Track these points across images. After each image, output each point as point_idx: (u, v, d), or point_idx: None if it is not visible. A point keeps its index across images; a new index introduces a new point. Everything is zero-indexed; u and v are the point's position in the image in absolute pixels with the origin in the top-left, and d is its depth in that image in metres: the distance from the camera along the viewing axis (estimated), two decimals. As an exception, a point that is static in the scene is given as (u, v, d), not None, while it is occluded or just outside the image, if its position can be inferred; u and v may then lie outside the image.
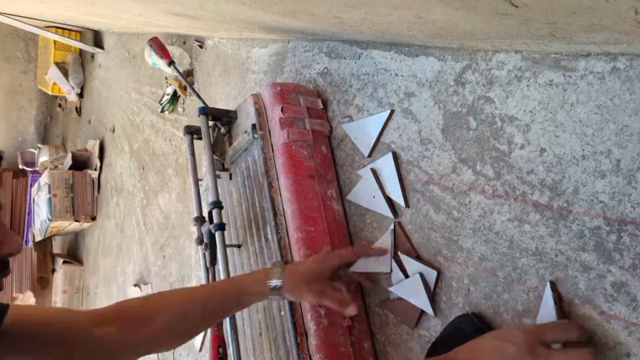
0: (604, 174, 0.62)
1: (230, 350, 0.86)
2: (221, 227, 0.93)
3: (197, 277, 1.61)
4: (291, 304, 0.88)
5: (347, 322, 0.87)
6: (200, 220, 0.99)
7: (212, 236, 0.94)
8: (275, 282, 0.77)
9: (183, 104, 1.83)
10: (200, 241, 0.97)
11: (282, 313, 0.91)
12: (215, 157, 1.06)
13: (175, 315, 0.71)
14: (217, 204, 0.95)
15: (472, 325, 0.72)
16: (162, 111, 1.92)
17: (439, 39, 0.78)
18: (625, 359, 0.58)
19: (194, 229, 1.13)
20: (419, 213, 0.85)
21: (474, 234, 0.76)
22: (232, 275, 0.97)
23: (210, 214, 0.96)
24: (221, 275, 0.91)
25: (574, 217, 0.64)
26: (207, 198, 1.14)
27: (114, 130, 2.63)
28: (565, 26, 0.53)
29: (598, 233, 0.62)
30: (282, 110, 0.97)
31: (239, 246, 1.06)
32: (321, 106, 1.05)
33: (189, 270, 1.66)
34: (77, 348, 0.65)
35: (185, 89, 1.80)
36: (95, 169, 2.76)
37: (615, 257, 0.60)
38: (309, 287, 0.76)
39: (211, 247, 0.95)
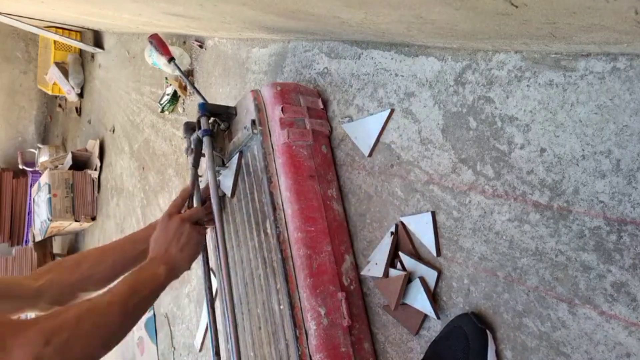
0: (604, 174, 0.62)
1: (230, 345, 0.86)
2: (209, 132, 0.96)
3: (197, 277, 1.61)
4: (290, 298, 0.88)
5: (347, 322, 0.87)
6: (189, 131, 1.01)
7: (199, 142, 0.97)
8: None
9: (183, 104, 1.83)
10: (190, 151, 1.00)
11: (281, 307, 0.91)
12: (215, 152, 1.06)
13: (94, 262, 0.93)
14: (205, 112, 0.99)
15: (472, 325, 0.72)
16: (162, 111, 1.92)
17: (439, 39, 0.78)
18: (625, 359, 0.59)
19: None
20: (418, 213, 0.85)
21: (474, 234, 0.76)
22: (230, 257, 1.07)
23: (198, 121, 0.99)
24: (222, 258, 0.91)
25: (574, 217, 0.64)
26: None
27: (114, 130, 2.63)
28: (565, 26, 0.53)
29: (598, 233, 0.62)
30: (282, 110, 0.97)
31: (223, 163, 1.08)
32: (321, 106, 1.05)
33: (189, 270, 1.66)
34: (24, 298, 0.83)
35: (185, 89, 1.80)
36: (95, 169, 2.76)
37: (615, 257, 0.60)
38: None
39: (196, 151, 0.98)
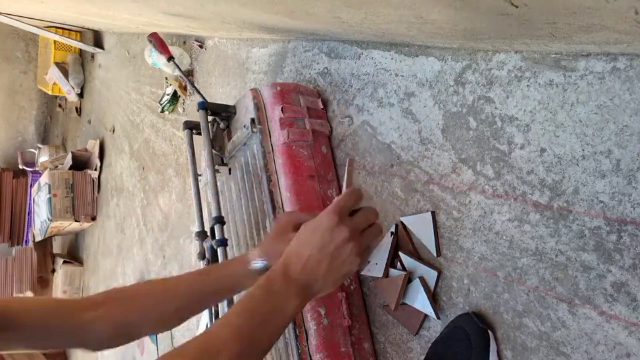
0: (604, 174, 0.62)
1: None
2: (223, 242, 0.91)
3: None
4: None
5: (347, 322, 0.87)
6: (202, 235, 0.97)
7: (214, 252, 0.93)
8: (257, 263, 0.75)
9: (183, 104, 1.83)
10: (202, 256, 0.95)
11: None
12: (214, 151, 1.06)
13: (159, 297, 0.72)
14: (220, 220, 0.93)
15: (473, 325, 0.72)
16: (162, 111, 1.92)
17: (439, 39, 0.78)
18: (625, 359, 0.59)
19: (194, 229, 1.13)
20: (418, 213, 0.85)
21: (474, 234, 0.76)
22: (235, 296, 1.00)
23: (212, 229, 0.95)
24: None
25: (574, 217, 0.64)
26: (207, 195, 1.14)
27: (114, 130, 2.63)
28: (566, 26, 0.53)
29: (598, 233, 0.62)
30: (282, 110, 0.97)
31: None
32: (321, 106, 1.05)
33: (189, 270, 1.66)
34: (69, 333, 0.67)
35: (185, 89, 1.80)
36: (95, 169, 2.76)
37: (615, 257, 0.60)
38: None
39: (213, 263, 0.93)
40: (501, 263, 0.72)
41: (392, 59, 0.93)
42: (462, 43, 0.77)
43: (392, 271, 0.87)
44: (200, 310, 0.78)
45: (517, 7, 0.49)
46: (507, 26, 0.58)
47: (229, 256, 0.97)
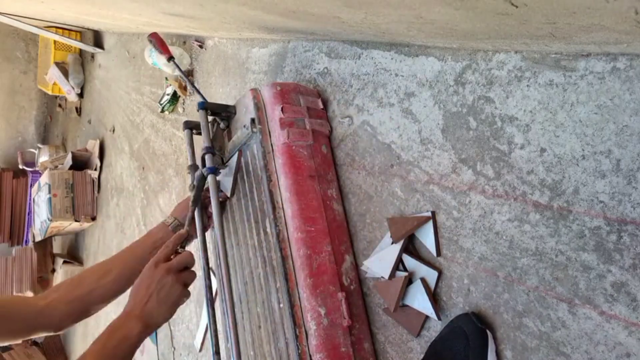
0: (604, 174, 0.62)
1: (229, 344, 0.86)
2: (214, 170, 0.92)
3: (197, 277, 1.60)
4: (290, 296, 0.88)
5: (347, 322, 0.88)
6: (193, 168, 0.99)
7: (202, 178, 0.93)
8: (170, 220, 1.02)
9: (183, 104, 1.83)
10: (192, 188, 0.97)
11: (281, 305, 0.91)
12: (214, 151, 1.06)
13: (101, 271, 0.93)
14: (210, 149, 0.95)
15: (472, 325, 0.72)
16: (162, 111, 1.92)
17: (439, 39, 0.78)
18: (625, 359, 0.59)
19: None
20: (419, 214, 0.85)
21: (474, 234, 0.76)
22: (229, 259, 1.06)
23: (202, 158, 0.96)
24: (217, 234, 0.91)
25: (574, 217, 0.64)
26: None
27: (114, 130, 2.63)
28: (565, 26, 0.53)
29: (598, 233, 0.62)
30: (282, 110, 0.97)
31: (228, 198, 1.07)
32: (321, 106, 1.05)
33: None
34: (34, 318, 0.82)
35: (185, 89, 1.80)
36: (95, 169, 2.76)
37: (615, 257, 0.60)
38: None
39: (197, 188, 0.94)
40: (501, 263, 0.72)
41: (392, 59, 0.93)
42: (462, 43, 0.77)
43: (396, 273, 0.87)
44: (130, 282, 0.93)
45: (517, 7, 0.49)
46: (507, 26, 0.58)
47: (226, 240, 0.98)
